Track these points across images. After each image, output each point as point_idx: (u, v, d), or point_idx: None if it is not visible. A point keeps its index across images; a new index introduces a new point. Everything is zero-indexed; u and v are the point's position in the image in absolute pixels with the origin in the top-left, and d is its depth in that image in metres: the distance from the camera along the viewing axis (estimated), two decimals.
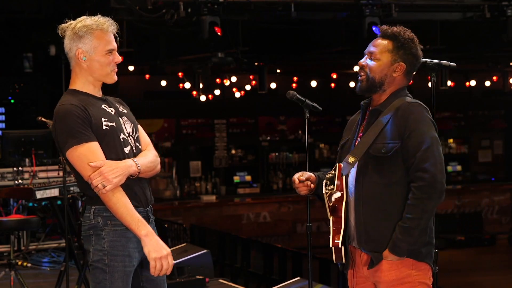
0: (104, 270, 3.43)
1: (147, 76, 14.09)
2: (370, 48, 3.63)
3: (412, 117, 3.48)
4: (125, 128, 3.56)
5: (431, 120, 3.54)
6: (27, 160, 8.61)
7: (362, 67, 3.62)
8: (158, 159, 3.64)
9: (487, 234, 15.03)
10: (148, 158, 3.57)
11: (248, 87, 14.83)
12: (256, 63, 12.98)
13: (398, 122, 3.49)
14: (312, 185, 3.67)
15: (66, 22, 3.55)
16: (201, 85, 13.56)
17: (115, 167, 3.39)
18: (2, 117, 11.29)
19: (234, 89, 14.82)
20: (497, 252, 14.55)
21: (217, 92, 14.68)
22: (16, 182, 8.37)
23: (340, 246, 3.53)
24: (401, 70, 3.59)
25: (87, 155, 3.39)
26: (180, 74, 13.81)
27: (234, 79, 14.37)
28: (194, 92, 13.84)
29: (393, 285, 3.53)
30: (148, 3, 8.25)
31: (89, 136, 3.39)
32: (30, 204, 8.43)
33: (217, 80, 14.39)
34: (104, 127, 3.45)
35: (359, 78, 3.62)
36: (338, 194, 3.38)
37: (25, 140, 8.64)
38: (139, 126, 3.68)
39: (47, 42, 10.03)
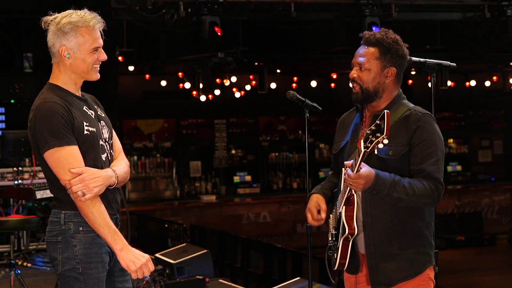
0: (78, 279, 3.32)
1: (147, 76, 14.10)
2: (358, 59, 3.59)
3: (426, 127, 3.50)
4: (103, 133, 3.45)
5: (441, 134, 3.59)
6: (27, 160, 8.62)
7: (354, 79, 3.59)
8: (129, 168, 3.55)
9: (487, 234, 15.03)
10: (123, 169, 3.47)
11: (248, 87, 14.83)
12: (256, 63, 12.98)
13: (408, 128, 3.51)
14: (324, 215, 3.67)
15: (50, 14, 3.42)
16: (201, 85, 13.57)
17: (97, 175, 3.30)
18: (2, 117, 11.25)
19: (234, 89, 14.82)
20: (497, 252, 14.55)
21: (217, 92, 14.68)
22: (16, 182, 8.36)
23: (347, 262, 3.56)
24: (393, 74, 3.57)
25: (68, 159, 3.27)
26: (180, 74, 13.81)
27: (234, 79, 14.37)
28: (194, 92, 13.84)
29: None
30: (148, 3, 8.25)
31: (71, 139, 3.28)
32: (30, 204, 8.43)
33: (217, 80, 14.39)
34: (85, 132, 3.34)
35: (353, 90, 3.60)
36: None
37: (25, 140, 8.62)
38: (113, 132, 3.57)
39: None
